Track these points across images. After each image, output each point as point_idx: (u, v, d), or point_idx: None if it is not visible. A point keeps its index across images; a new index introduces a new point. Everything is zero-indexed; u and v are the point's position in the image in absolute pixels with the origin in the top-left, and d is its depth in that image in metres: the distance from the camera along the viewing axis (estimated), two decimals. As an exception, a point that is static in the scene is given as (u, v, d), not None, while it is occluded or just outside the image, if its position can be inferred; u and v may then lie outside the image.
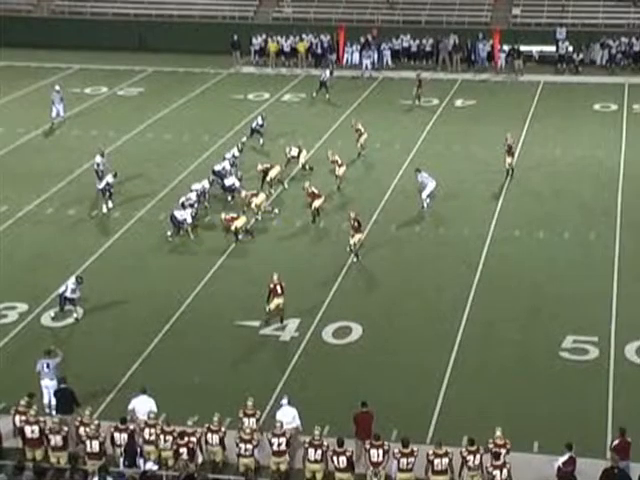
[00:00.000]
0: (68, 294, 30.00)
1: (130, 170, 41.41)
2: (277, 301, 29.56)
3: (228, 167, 39.58)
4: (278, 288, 29.48)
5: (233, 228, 35.31)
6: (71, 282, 30.16)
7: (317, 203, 36.89)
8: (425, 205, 37.97)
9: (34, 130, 47.49)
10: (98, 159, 39.49)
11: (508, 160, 40.62)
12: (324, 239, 35.97)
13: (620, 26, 59.94)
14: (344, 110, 50.85)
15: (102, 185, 38.00)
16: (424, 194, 38.04)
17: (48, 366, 25.46)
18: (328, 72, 54.16)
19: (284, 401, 23.79)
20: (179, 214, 35.73)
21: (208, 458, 22.98)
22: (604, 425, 24.68)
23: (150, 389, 24.38)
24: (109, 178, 38.07)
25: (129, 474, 21.30)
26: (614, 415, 25.05)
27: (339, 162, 40.00)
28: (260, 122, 44.96)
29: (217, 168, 39.35)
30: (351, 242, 33.85)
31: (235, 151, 41.03)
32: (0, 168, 42.54)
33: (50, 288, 31.89)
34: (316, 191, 37.08)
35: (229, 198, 38.51)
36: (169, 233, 35.70)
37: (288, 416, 23.41)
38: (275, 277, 29.60)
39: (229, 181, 38.67)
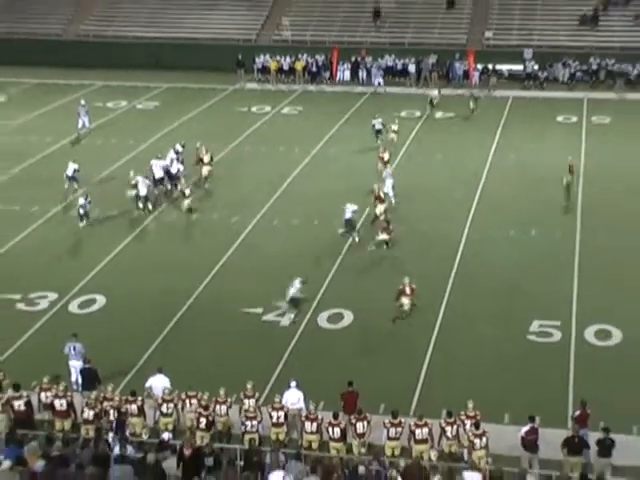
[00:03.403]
0: (297, 294, 29.82)
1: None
2: (404, 300, 29.31)
3: (174, 155, 40.49)
4: (407, 289, 29.28)
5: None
6: (297, 282, 29.88)
7: (381, 208, 35.98)
8: (393, 200, 38.02)
9: (62, 139, 47.48)
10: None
11: (567, 178, 38.73)
12: (318, 236, 35.89)
13: (580, 47, 60.00)
14: (336, 122, 50.82)
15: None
16: (386, 189, 37.79)
17: (75, 348, 25.56)
18: (437, 91, 53.54)
19: (293, 384, 23.72)
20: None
21: (215, 429, 23.08)
22: (566, 399, 24.84)
23: (164, 369, 24.45)
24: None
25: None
26: (574, 390, 25.18)
27: (381, 197, 36.59)
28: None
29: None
30: (377, 239, 34.05)
31: (178, 147, 41.49)
32: (32, 173, 42.61)
33: (76, 280, 32.14)
34: (382, 195, 36.40)
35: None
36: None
37: (294, 398, 23.45)
38: (406, 280, 29.39)
39: (173, 169, 39.88)
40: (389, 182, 38.12)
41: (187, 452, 18.91)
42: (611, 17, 62.20)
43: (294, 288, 29.96)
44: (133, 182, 38.01)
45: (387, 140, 44.98)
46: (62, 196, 39.17)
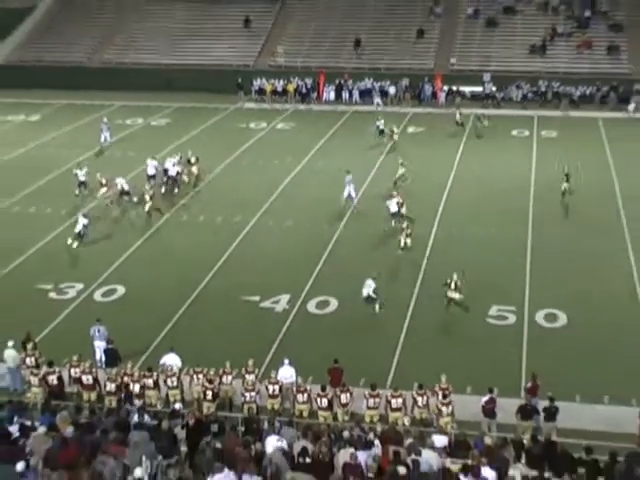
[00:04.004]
0: (372, 293, 29.34)
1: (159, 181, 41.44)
2: (451, 295, 28.93)
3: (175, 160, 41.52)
4: (452, 285, 28.86)
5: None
6: (370, 282, 29.29)
7: (402, 209, 35.62)
8: (344, 202, 38.02)
9: (87, 152, 47.30)
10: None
11: (565, 185, 38.48)
12: (308, 235, 35.93)
13: (531, 72, 60.18)
14: (324, 136, 50.82)
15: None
16: (346, 192, 37.88)
17: (99, 331, 25.60)
18: (459, 113, 51.72)
19: (286, 361, 23.83)
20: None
21: (220, 399, 23.17)
22: (519, 373, 24.98)
23: (175, 349, 24.56)
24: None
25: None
26: (527, 365, 25.34)
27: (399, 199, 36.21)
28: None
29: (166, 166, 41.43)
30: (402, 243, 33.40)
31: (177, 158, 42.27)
32: (61, 181, 42.40)
33: (99, 272, 32.11)
34: (401, 200, 35.94)
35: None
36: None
37: (287, 373, 23.55)
38: (455, 275, 28.97)
39: (172, 171, 40.97)
40: (350, 187, 38.19)
41: (191, 422, 18.93)
42: (557, 47, 62.41)
43: (368, 287, 29.40)
44: (104, 181, 39.00)
45: (390, 142, 47.05)
46: (86, 200, 39.29)
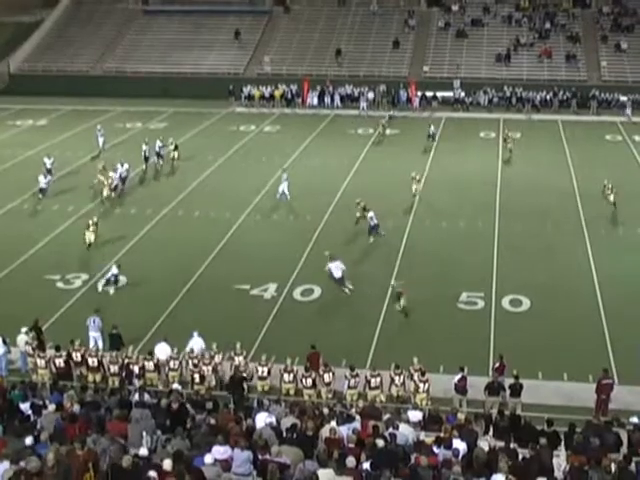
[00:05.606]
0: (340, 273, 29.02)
1: (157, 180, 41.23)
2: (400, 301, 28.01)
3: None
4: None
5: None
6: (338, 263, 29.04)
7: (370, 214, 34.11)
8: (279, 197, 38.18)
9: (90, 154, 47.01)
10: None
11: (611, 198, 36.97)
12: (293, 228, 35.92)
13: (496, 79, 60.32)
14: (307, 137, 50.73)
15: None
16: (280, 189, 38.20)
17: (95, 322, 25.27)
18: (433, 127, 49.41)
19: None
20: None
21: (217, 379, 23.17)
22: (487, 353, 24.98)
23: (171, 336, 24.49)
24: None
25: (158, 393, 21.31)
26: (494, 346, 25.36)
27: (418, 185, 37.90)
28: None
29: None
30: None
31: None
32: (68, 179, 42.19)
33: (103, 263, 31.80)
34: (365, 205, 34.78)
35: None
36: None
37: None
38: (393, 282, 28.72)
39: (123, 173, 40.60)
40: (285, 184, 38.31)
41: (174, 406, 18.68)
42: (520, 56, 62.66)
43: (339, 269, 28.98)
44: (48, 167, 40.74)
45: (381, 133, 50.20)
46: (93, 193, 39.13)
